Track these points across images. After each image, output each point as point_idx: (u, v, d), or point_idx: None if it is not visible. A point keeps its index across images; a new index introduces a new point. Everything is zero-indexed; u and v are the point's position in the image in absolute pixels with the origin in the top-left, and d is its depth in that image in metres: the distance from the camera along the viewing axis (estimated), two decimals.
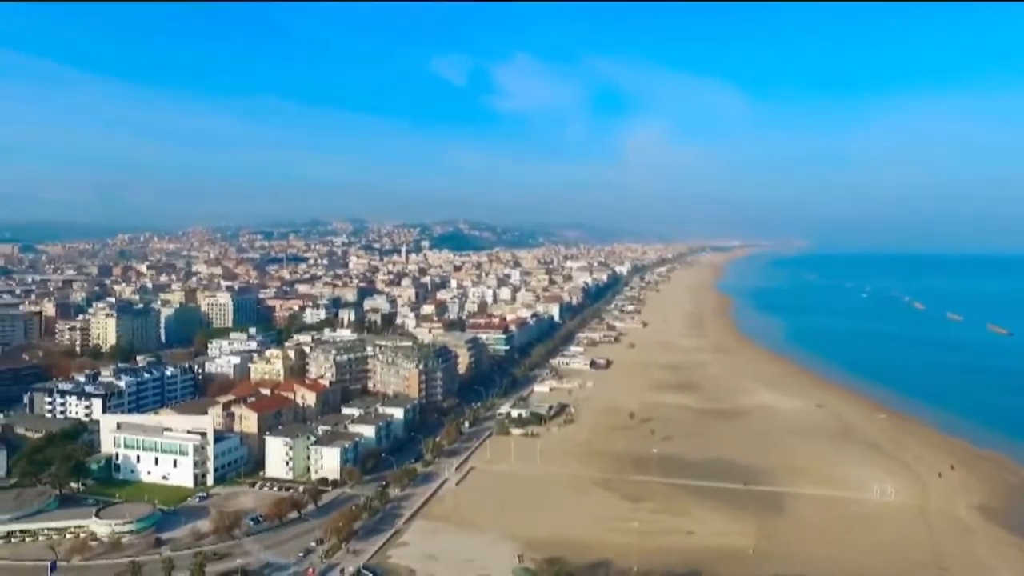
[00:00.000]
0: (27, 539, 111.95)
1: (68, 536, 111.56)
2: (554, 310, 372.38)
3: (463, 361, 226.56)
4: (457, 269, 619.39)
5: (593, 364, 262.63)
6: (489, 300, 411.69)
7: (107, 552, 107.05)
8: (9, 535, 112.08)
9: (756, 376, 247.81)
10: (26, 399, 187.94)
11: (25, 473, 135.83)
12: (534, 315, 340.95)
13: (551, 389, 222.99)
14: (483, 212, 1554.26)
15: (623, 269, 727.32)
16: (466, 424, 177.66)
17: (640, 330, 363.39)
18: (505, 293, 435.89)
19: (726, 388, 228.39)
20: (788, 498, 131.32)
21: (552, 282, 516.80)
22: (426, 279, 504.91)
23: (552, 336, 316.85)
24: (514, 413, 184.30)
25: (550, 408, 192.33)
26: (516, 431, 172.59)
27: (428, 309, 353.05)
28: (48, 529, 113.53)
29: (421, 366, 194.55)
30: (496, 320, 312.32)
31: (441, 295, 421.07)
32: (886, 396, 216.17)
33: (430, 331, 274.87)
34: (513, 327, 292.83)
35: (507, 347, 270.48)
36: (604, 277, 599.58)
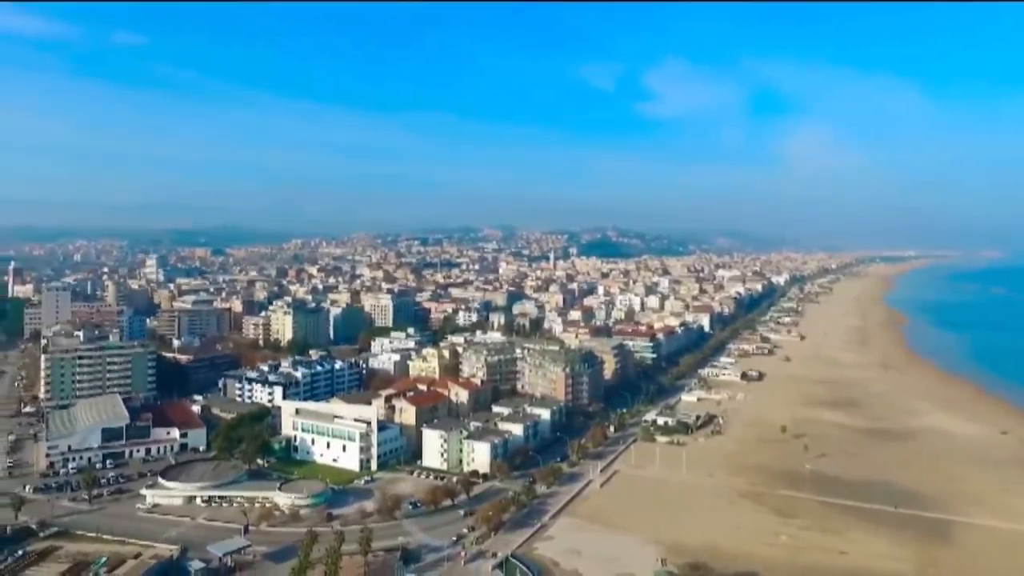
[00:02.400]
0: (224, 504, 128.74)
1: (256, 505, 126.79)
2: (704, 320, 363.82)
3: (609, 367, 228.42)
4: (605, 276, 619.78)
5: (744, 376, 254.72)
6: (637, 308, 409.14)
7: (288, 522, 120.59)
8: (210, 500, 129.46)
9: (928, 396, 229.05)
10: (220, 384, 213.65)
11: (221, 448, 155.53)
12: (683, 324, 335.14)
13: (699, 399, 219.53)
14: (632, 219, 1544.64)
15: (780, 279, 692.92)
16: (611, 428, 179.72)
17: (797, 343, 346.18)
18: (653, 301, 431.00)
19: (892, 407, 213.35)
20: (958, 527, 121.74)
21: (702, 291, 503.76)
22: (574, 285, 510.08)
23: (701, 346, 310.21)
24: (660, 421, 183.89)
25: (697, 418, 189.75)
26: (662, 438, 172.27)
27: (575, 315, 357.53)
28: (240, 497, 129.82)
29: (568, 370, 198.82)
30: (643, 328, 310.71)
31: (588, 301, 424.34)
32: None
33: (577, 336, 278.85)
34: (660, 335, 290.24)
35: (654, 355, 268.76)
36: (759, 287, 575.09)
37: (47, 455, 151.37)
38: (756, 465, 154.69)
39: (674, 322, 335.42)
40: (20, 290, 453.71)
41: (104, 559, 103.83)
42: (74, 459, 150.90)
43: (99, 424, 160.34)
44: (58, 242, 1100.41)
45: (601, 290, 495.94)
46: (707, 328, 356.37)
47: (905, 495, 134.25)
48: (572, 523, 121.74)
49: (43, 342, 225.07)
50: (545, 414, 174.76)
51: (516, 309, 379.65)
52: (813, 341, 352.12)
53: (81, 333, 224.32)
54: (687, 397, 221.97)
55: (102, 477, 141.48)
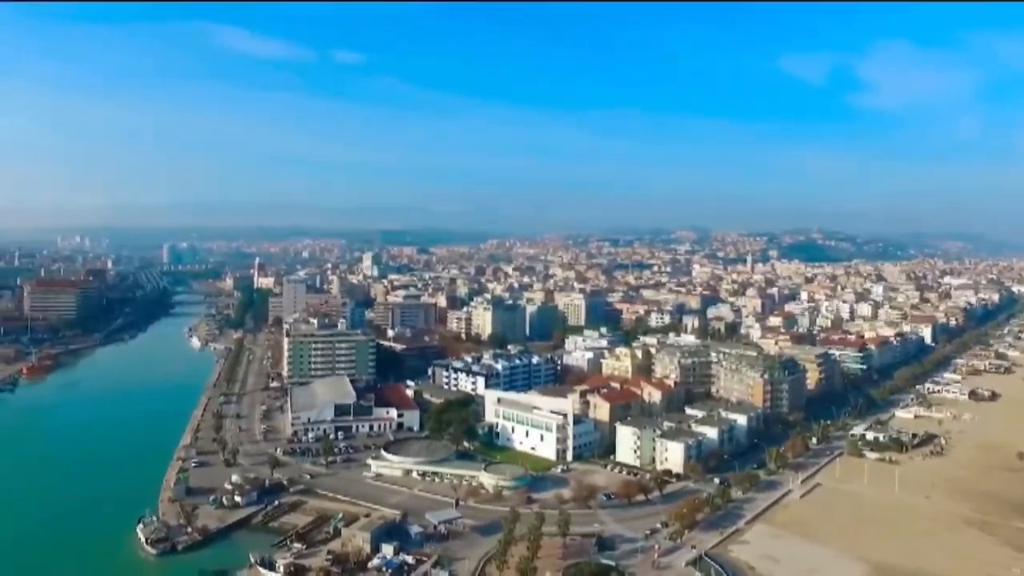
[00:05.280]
0: (436, 479, 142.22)
1: (464, 482, 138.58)
2: (925, 331, 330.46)
3: (812, 376, 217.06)
4: (808, 281, 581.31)
5: (973, 395, 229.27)
6: (845, 315, 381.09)
7: (492, 500, 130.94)
8: (424, 474, 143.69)
9: None
10: (429, 372, 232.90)
11: (432, 429, 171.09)
12: (899, 335, 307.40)
13: (916, 416, 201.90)
14: (840, 220, 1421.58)
15: (1022, 289, 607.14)
16: (813, 440, 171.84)
17: None
18: (864, 309, 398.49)
19: None
20: None
21: (924, 300, 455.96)
22: (773, 290, 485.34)
23: (920, 359, 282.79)
24: (870, 436, 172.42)
25: (914, 436, 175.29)
26: (871, 454, 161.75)
27: (775, 321, 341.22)
28: (450, 474, 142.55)
29: (766, 376, 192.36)
30: (852, 337, 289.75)
31: (790, 307, 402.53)
32: None
33: (776, 343, 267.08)
34: (872, 346, 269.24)
35: (863, 366, 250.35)
36: (995, 297, 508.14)
37: (292, 424, 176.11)
38: (985, 492, 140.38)
39: (888, 332, 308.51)
40: (263, 282, 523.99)
41: (340, 515, 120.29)
42: (313, 429, 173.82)
43: (332, 400, 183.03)
44: (288, 240, 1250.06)
45: (804, 296, 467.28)
46: (928, 340, 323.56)
47: None
48: (769, 530, 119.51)
49: (285, 328, 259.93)
50: (741, 419, 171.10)
51: (711, 313, 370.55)
52: None
53: (315, 321, 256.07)
54: (902, 413, 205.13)
55: (335, 446, 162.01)
